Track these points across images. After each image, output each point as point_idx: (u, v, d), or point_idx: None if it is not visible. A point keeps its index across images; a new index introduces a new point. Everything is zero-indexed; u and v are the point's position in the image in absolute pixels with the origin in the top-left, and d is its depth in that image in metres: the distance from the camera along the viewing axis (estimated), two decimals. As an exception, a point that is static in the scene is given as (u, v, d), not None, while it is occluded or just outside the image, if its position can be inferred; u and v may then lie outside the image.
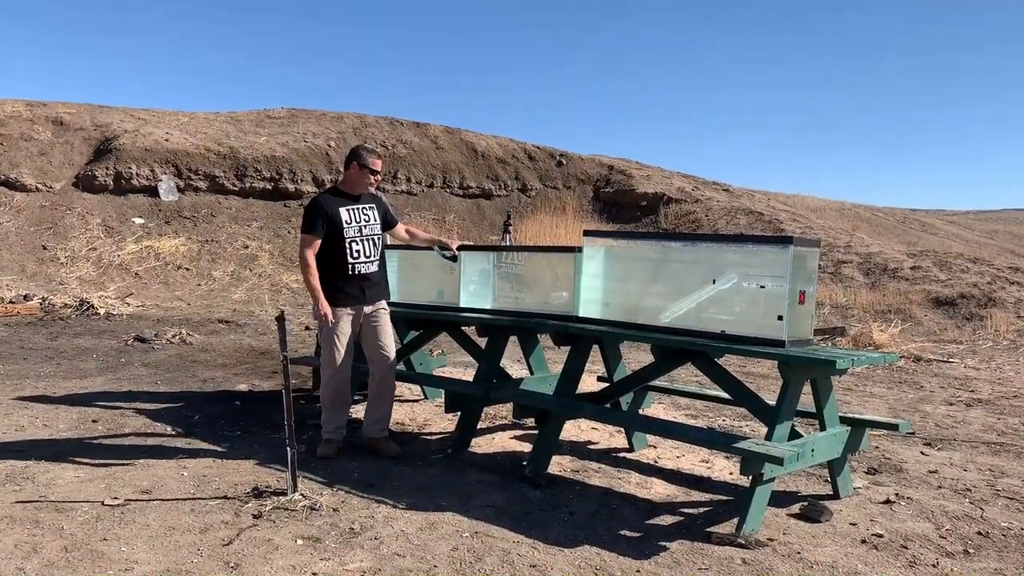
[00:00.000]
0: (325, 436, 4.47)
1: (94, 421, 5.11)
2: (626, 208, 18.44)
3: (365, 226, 4.41)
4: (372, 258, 4.44)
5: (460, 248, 4.81)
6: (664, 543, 3.29)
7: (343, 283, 4.35)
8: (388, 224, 4.64)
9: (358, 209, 4.42)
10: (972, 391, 6.81)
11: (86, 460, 4.27)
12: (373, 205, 4.52)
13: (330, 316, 4.28)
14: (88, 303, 10.58)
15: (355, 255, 4.36)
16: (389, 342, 4.49)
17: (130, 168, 15.52)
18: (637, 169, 19.98)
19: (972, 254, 15.14)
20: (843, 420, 3.89)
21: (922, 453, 4.79)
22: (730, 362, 7.08)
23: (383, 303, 4.52)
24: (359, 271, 4.38)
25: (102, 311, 10.35)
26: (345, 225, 4.33)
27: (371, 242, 4.43)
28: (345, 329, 4.38)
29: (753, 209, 17.51)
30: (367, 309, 4.43)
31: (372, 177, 4.44)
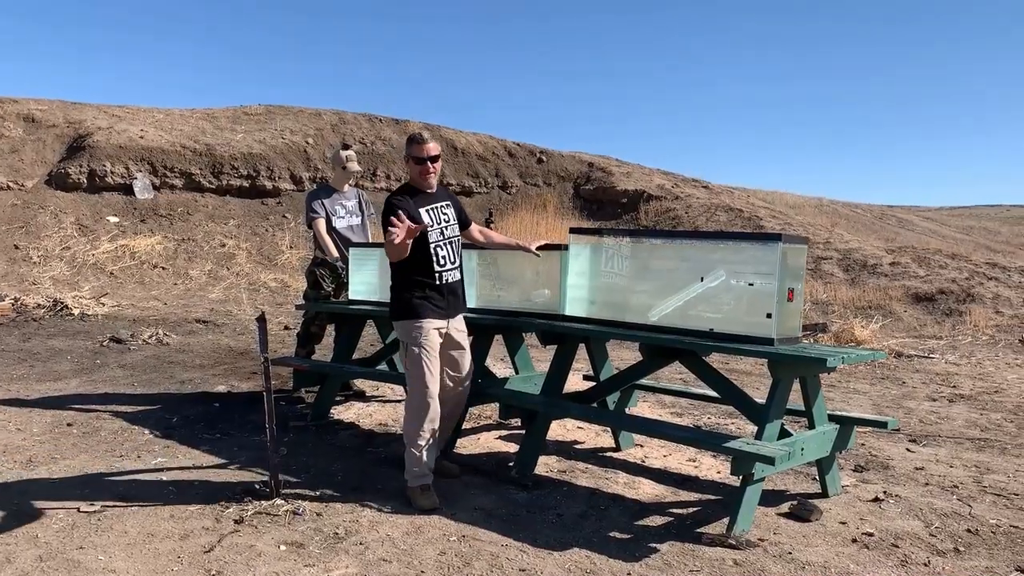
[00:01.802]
0: (419, 483, 3.68)
1: (69, 424, 4.98)
2: (607, 205, 18.42)
3: (447, 227, 3.87)
4: (456, 263, 3.91)
5: (541, 248, 4.21)
6: (654, 544, 3.24)
7: (431, 293, 3.76)
8: (463, 224, 4.09)
9: (437, 208, 3.86)
10: (954, 387, 6.84)
11: (61, 465, 4.16)
12: (449, 203, 3.96)
13: (416, 225, 3.55)
14: (62, 303, 10.38)
15: (441, 262, 3.80)
16: (467, 373, 4.00)
17: (104, 166, 15.28)
18: (617, 166, 19.96)
19: (950, 250, 15.27)
20: (831, 418, 3.87)
21: (908, 450, 4.79)
22: (711, 360, 7.06)
23: (461, 318, 3.98)
24: (446, 279, 3.81)
25: (76, 311, 10.16)
26: (429, 229, 3.76)
27: (454, 245, 3.90)
28: (434, 342, 3.75)
29: (733, 206, 17.55)
30: (452, 323, 3.89)
31: (428, 165, 3.80)
